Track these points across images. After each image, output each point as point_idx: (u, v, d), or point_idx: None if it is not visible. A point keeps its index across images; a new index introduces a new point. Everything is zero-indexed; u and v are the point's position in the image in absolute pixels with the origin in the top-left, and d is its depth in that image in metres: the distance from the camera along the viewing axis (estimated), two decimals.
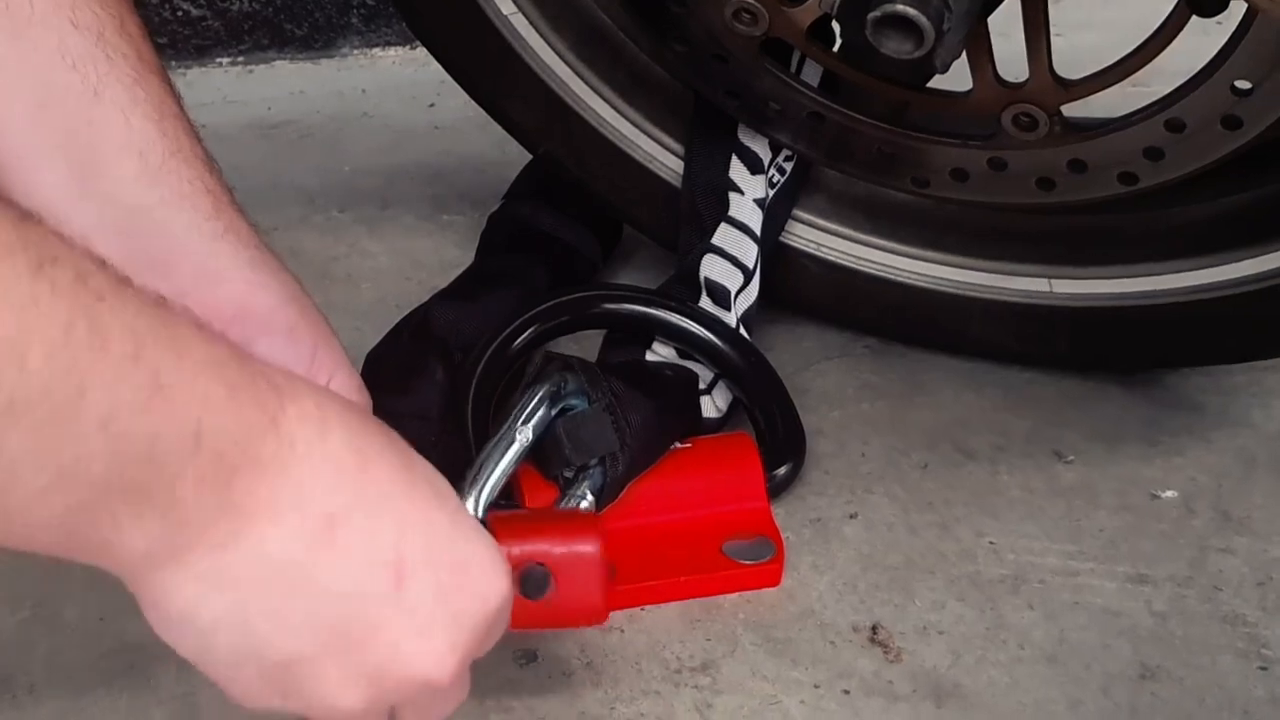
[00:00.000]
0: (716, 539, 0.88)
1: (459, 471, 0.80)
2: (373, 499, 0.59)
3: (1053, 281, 1.00)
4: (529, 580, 0.68)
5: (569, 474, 0.86)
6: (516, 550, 0.68)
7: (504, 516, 0.69)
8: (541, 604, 0.68)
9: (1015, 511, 0.94)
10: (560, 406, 0.87)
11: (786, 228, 1.03)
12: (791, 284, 1.05)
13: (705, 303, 0.97)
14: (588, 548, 0.70)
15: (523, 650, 0.83)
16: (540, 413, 0.86)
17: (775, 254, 1.02)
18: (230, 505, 0.55)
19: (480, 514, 0.77)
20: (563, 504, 0.85)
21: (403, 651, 0.60)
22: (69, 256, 0.50)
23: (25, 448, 0.49)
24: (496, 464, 0.81)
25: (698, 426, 0.93)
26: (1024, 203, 0.95)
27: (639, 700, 0.81)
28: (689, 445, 0.91)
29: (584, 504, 0.85)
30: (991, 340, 1.04)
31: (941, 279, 1.03)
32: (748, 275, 0.98)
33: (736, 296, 0.97)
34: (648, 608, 0.86)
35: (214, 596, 0.57)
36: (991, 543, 0.92)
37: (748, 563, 0.88)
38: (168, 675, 0.80)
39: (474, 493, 0.79)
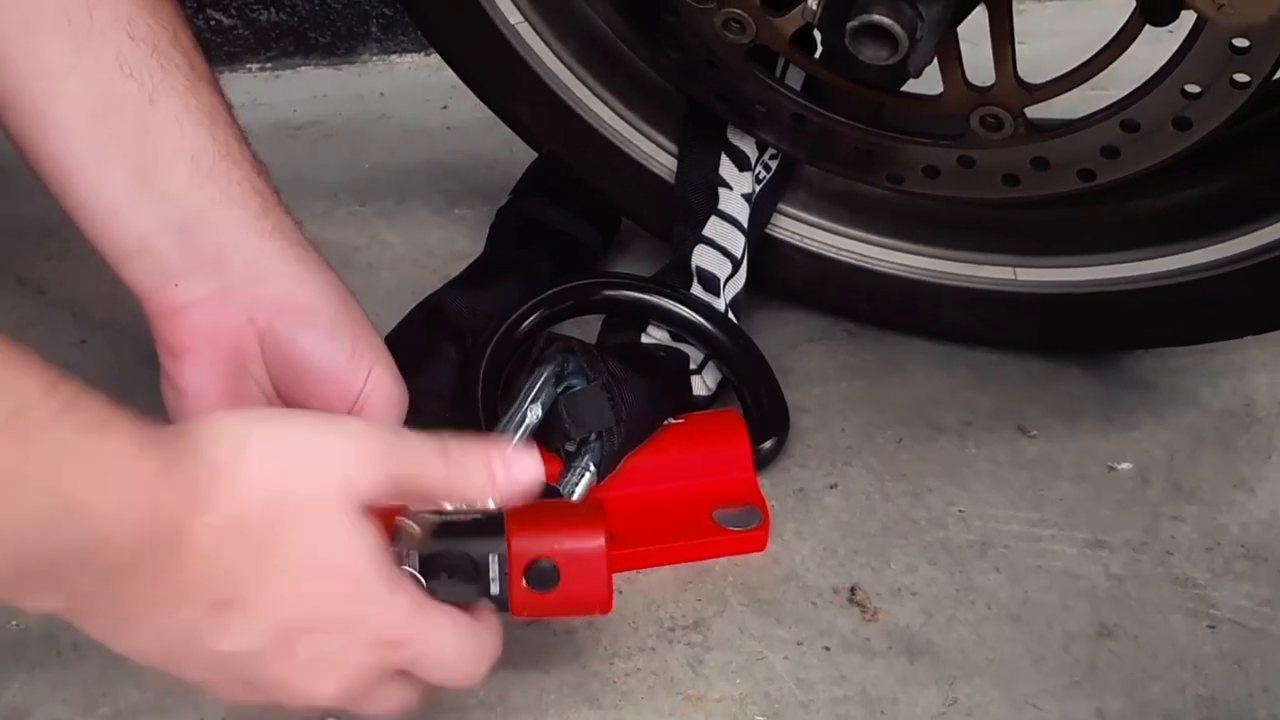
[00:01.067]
0: (707, 507, 0.88)
1: None
2: (264, 582, 0.60)
3: (1017, 270, 1.00)
4: (538, 574, 0.67)
5: (570, 448, 0.85)
6: (526, 545, 0.67)
7: (516, 510, 0.68)
8: (549, 596, 0.68)
9: (982, 482, 0.94)
10: (563, 385, 0.86)
11: (772, 220, 1.02)
12: (777, 272, 1.04)
13: (697, 289, 0.96)
14: (594, 544, 0.69)
15: None
16: (546, 391, 0.85)
17: (762, 245, 1.01)
18: (126, 603, 0.57)
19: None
20: (567, 476, 0.85)
21: (293, 689, 0.62)
22: (14, 390, 0.51)
23: None
24: (511, 440, 0.81)
25: (689, 403, 0.93)
26: (991, 197, 0.95)
27: (635, 656, 0.81)
28: (681, 421, 0.91)
29: (586, 475, 0.85)
30: (961, 324, 1.03)
31: (915, 268, 1.02)
32: (736, 264, 0.97)
33: (726, 284, 0.96)
34: (644, 571, 0.86)
35: (120, 644, 0.59)
36: (960, 511, 0.92)
37: (736, 529, 0.87)
38: None
39: None
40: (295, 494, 0.59)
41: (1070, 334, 1.01)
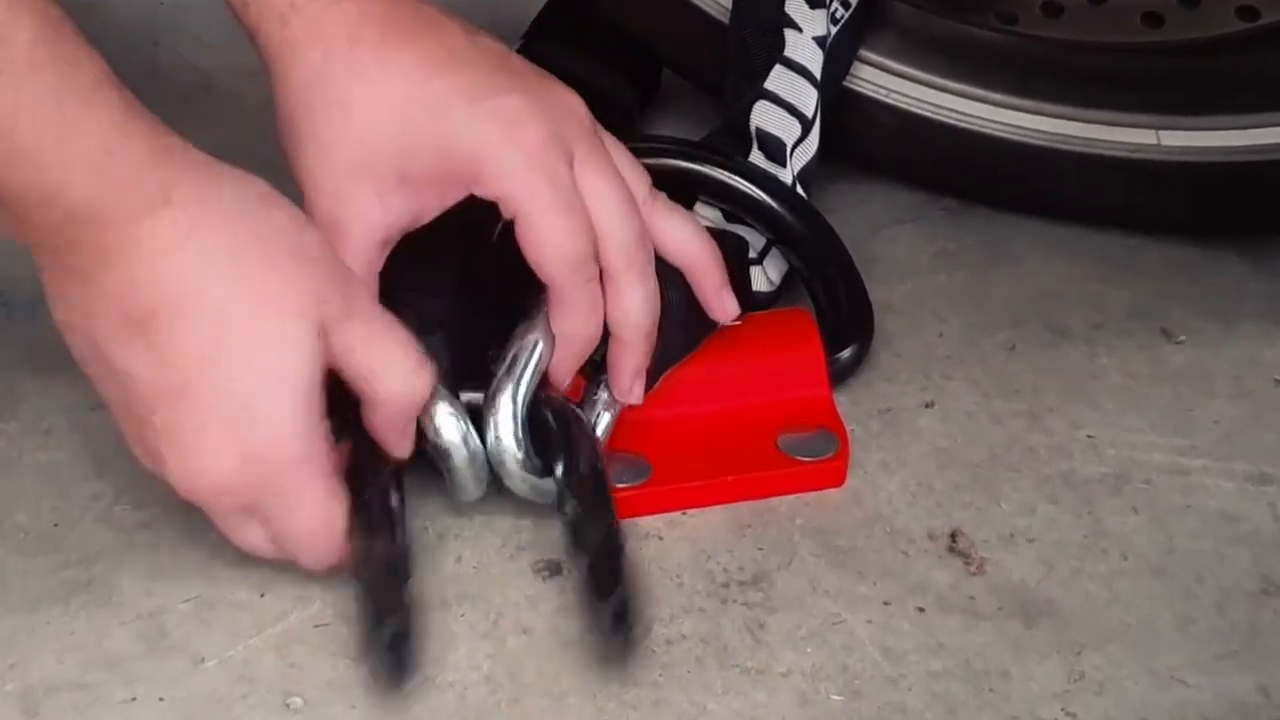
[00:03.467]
0: (771, 432, 0.87)
1: (480, 351, 0.80)
2: (184, 328, 0.69)
3: (1161, 133, 0.99)
4: None
5: (597, 357, 0.83)
6: None
7: None
8: None
9: (1116, 400, 0.92)
10: None
11: (853, 71, 1.01)
12: (857, 136, 1.03)
13: (756, 157, 0.94)
14: None
15: (544, 561, 0.81)
16: None
17: (839, 102, 1.00)
18: (71, 269, 0.68)
19: (522, 409, 0.78)
20: (593, 393, 0.83)
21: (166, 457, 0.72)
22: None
23: None
24: (530, 353, 0.80)
25: (748, 302, 0.91)
26: (1127, 42, 0.97)
27: (680, 620, 0.79)
28: (738, 323, 0.88)
29: (605, 401, 0.83)
30: (1089, 201, 1.03)
31: (1031, 130, 1.01)
32: (806, 125, 0.95)
33: (793, 150, 0.94)
34: (690, 512, 0.84)
35: (55, 313, 0.71)
36: (1089, 436, 0.90)
37: (807, 460, 0.86)
38: (134, 589, 0.78)
39: (510, 386, 0.78)
40: (257, 288, 0.71)
41: (1227, 213, 1.01)
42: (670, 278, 0.85)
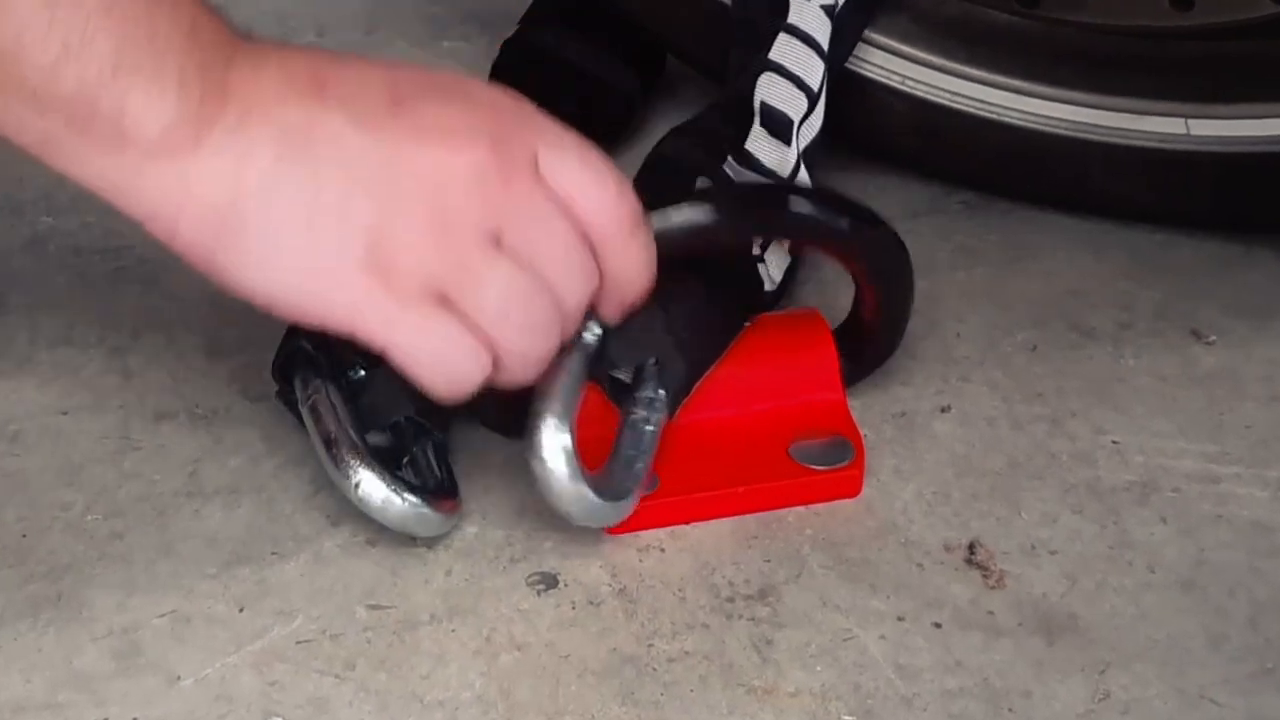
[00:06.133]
0: (782, 439, 0.86)
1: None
2: (351, 60, 0.73)
3: (1190, 122, 0.99)
4: None
5: (623, 376, 0.84)
6: None
7: None
8: None
9: (1143, 404, 0.92)
10: None
11: (863, 56, 1.01)
12: (870, 125, 1.03)
13: (759, 133, 0.93)
14: None
15: (539, 574, 0.81)
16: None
17: (850, 88, 1.00)
18: (230, 88, 0.68)
19: (569, 435, 0.77)
20: (634, 413, 0.83)
21: (424, 151, 0.71)
22: None
23: (31, 19, 0.63)
24: (570, 377, 0.79)
25: (759, 302, 0.91)
26: (1155, 26, 0.97)
27: (683, 635, 0.79)
28: (746, 325, 0.89)
29: (643, 419, 0.83)
30: (1115, 193, 1.03)
31: (1054, 119, 1.02)
32: (812, 100, 0.94)
33: (799, 127, 0.93)
34: (694, 524, 0.84)
35: (244, 178, 0.69)
36: (1115, 442, 0.90)
37: (819, 468, 0.86)
38: (105, 604, 0.78)
39: (549, 414, 0.77)
40: None
41: (1260, 207, 1.01)
42: (682, 282, 0.85)
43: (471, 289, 0.71)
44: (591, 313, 0.79)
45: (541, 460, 0.76)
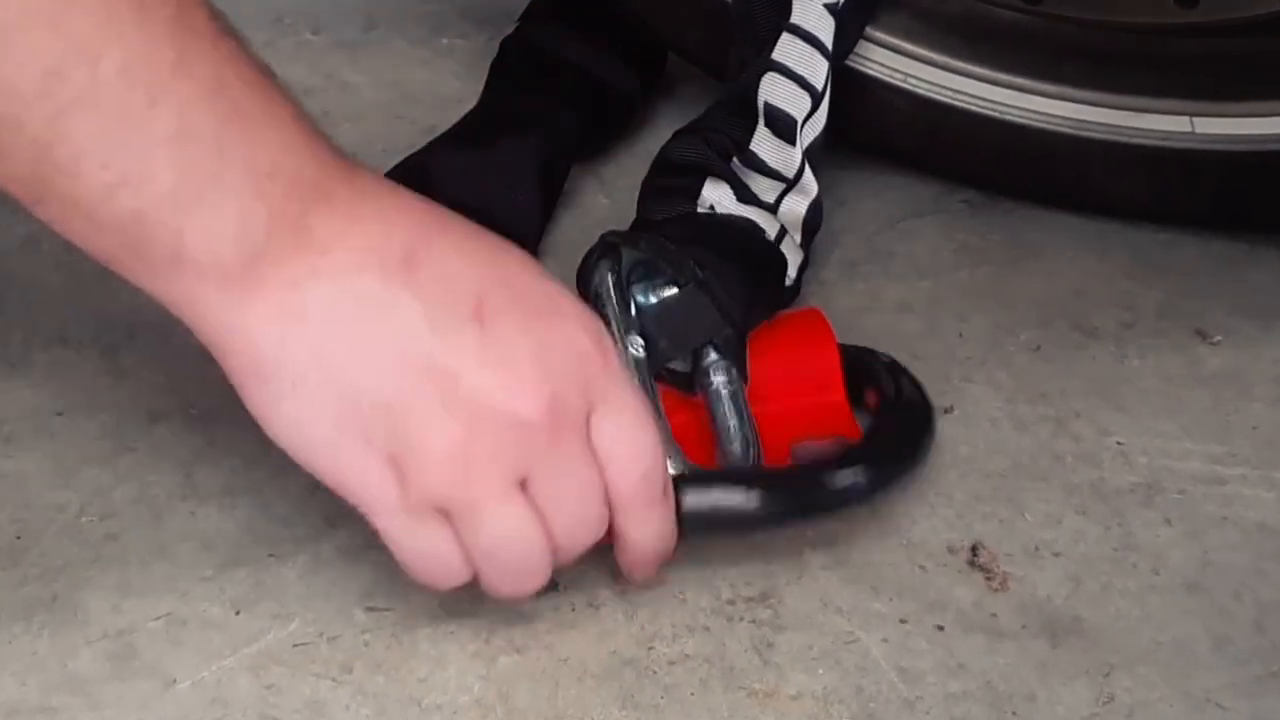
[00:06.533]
0: (783, 440, 0.85)
1: None
2: (453, 240, 0.71)
3: (1196, 120, 0.99)
4: None
5: (680, 367, 0.84)
6: None
7: None
8: None
9: (1148, 404, 0.92)
10: (639, 294, 0.84)
11: (865, 54, 1.01)
12: (871, 124, 1.03)
13: (763, 134, 0.93)
14: None
15: None
16: (624, 315, 0.83)
17: (851, 86, 1.00)
18: (305, 239, 0.67)
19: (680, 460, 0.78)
20: (712, 383, 0.84)
21: (486, 381, 0.69)
22: None
23: (91, 143, 0.62)
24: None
25: (782, 294, 0.91)
26: (1160, 22, 0.95)
27: (683, 638, 0.79)
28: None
29: (723, 383, 0.83)
30: (1118, 193, 1.03)
31: (1057, 117, 1.02)
32: (816, 99, 0.94)
33: (803, 126, 0.93)
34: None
35: (294, 335, 0.67)
36: (1119, 443, 0.90)
37: None
38: (100, 606, 0.78)
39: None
40: None
41: (1265, 206, 1.01)
42: (721, 271, 0.85)
43: (471, 523, 0.70)
44: (628, 326, 0.82)
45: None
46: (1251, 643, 0.80)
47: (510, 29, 1.07)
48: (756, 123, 0.93)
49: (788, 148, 0.93)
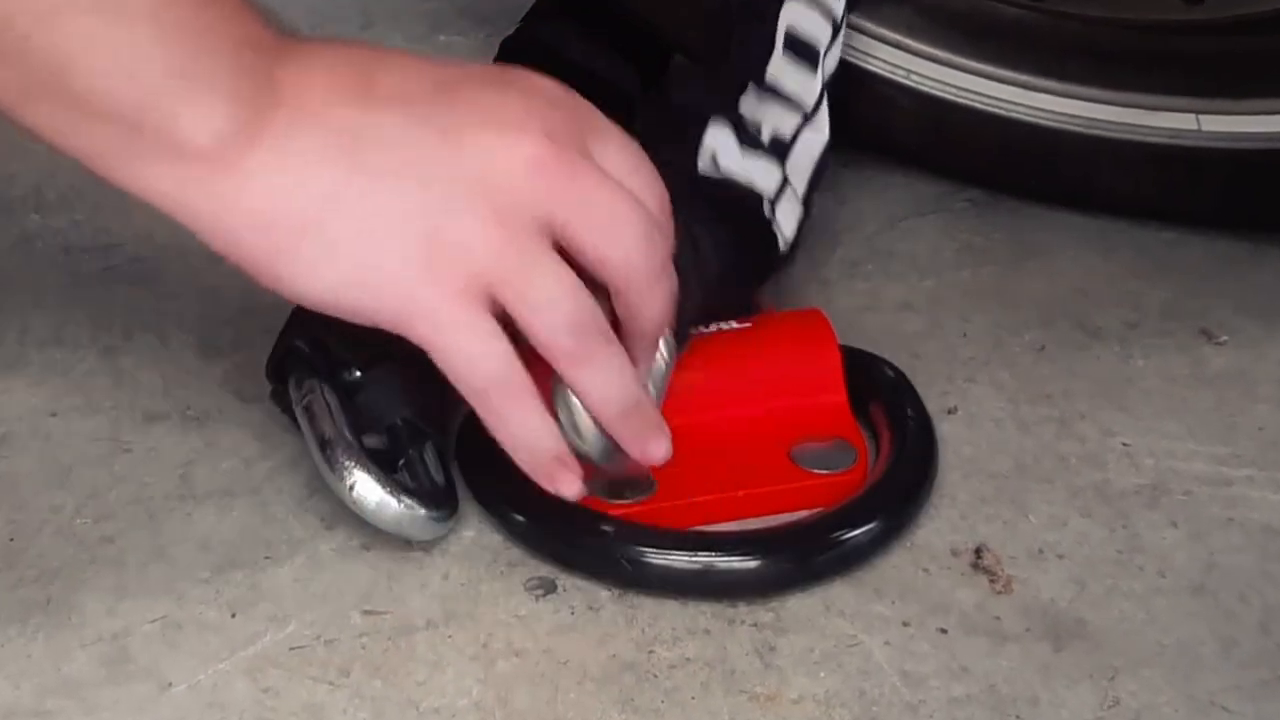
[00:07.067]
0: (783, 442, 0.86)
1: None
2: (395, 56, 0.73)
3: (1202, 118, 0.99)
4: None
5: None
6: None
7: None
8: None
9: (1153, 405, 0.92)
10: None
11: (867, 50, 1.02)
12: (874, 121, 1.04)
13: (783, 58, 0.93)
14: None
15: (537, 579, 0.80)
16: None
17: (852, 83, 1.00)
18: (278, 96, 0.68)
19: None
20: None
21: (487, 140, 0.71)
22: None
23: (82, 34, 0.64)
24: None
25: (773, 261, 0.91)
26: (1166, 19, 0.98)
27: (684, 641, 0.79)
28: (746, 324, 0.88)
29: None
30: (1123, 191, 1.03)
31: (1062, 115, 1.02)
32: (836, 29, 0.95)
33: (825, 56, 0.94)
34: (695, 528, 0.84)
35: (296, 183, 0.69)
36: (1124, 444, 0.90)
37: (822, 472, 0.85)
38: (95, 609, 0.78)
39: None
40: None
41: (1272, 205, 1.01)
42: (705, 220, 0.84)
43: (522, 282, 0.71)
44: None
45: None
46: (1257, 646, 0.79)
47: (508, 27, 1.07)
48: (772, 51, 0.93)
49: (809, 74, 0.93)
